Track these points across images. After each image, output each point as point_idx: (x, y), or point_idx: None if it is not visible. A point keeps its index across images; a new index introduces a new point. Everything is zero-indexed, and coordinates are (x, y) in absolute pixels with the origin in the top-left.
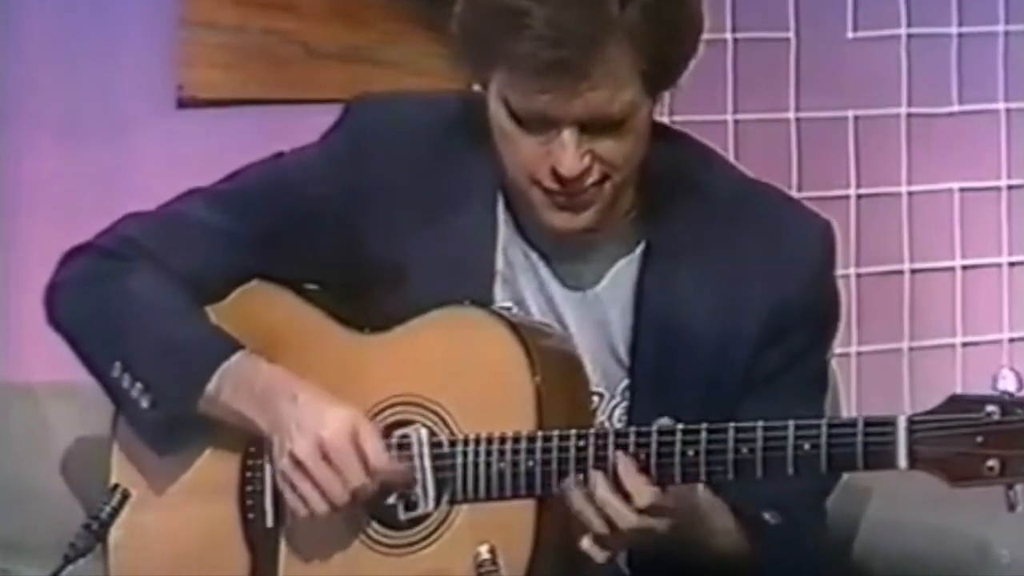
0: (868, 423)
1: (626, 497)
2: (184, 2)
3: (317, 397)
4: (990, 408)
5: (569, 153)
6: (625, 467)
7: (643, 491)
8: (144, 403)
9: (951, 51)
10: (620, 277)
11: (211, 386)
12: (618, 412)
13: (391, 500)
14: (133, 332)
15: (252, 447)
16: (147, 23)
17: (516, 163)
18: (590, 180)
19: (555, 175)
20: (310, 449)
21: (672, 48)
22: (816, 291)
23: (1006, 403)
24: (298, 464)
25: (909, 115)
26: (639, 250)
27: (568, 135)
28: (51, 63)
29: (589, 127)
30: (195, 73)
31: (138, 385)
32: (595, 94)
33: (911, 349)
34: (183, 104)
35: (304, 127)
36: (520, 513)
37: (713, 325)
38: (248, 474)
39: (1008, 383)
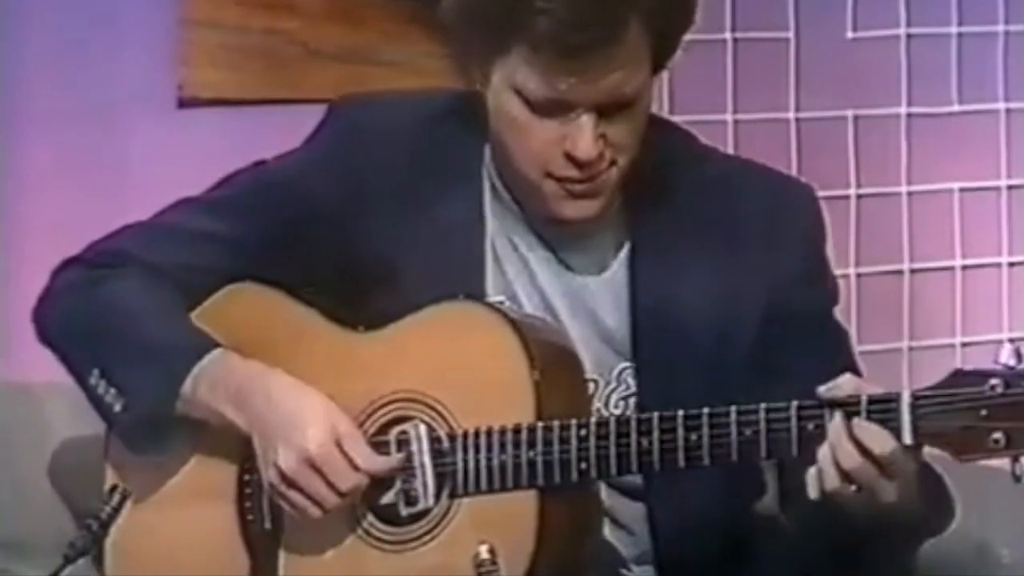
0: (872, 400)
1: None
2: (184, 2)
3: (290, 394)
4: (994, 381)
5: (587, 136)
6: (861, 427)
7: (881, 440)
8: (117, 407)
9: (951, 51)
10: (610, 261)
11: (187, 386)
12: (615, 397)
13: (391, 497)
14: (110, 338)
15: (249, 449)
16: (147, 22)
17: (526, 154)
18: (603, 164)
19: (571, 160)
20: (296, 463)
21: (677, 24)
22: (811, 254)
23: (1009, 376)
24: (285, 478)
25: (909, 115)
26: (629, 234)
27: (586, 119)
28: (51, 62)
29: (603, 109)
30: (195, 73)
31: (112, 391)
32: (616, 76)
33: (911, 349)
34: (183, 104)
35: (304, 127)
36: (522, 506)
37: (714, 303)
38: (246, 476)
39: (1009, 357)
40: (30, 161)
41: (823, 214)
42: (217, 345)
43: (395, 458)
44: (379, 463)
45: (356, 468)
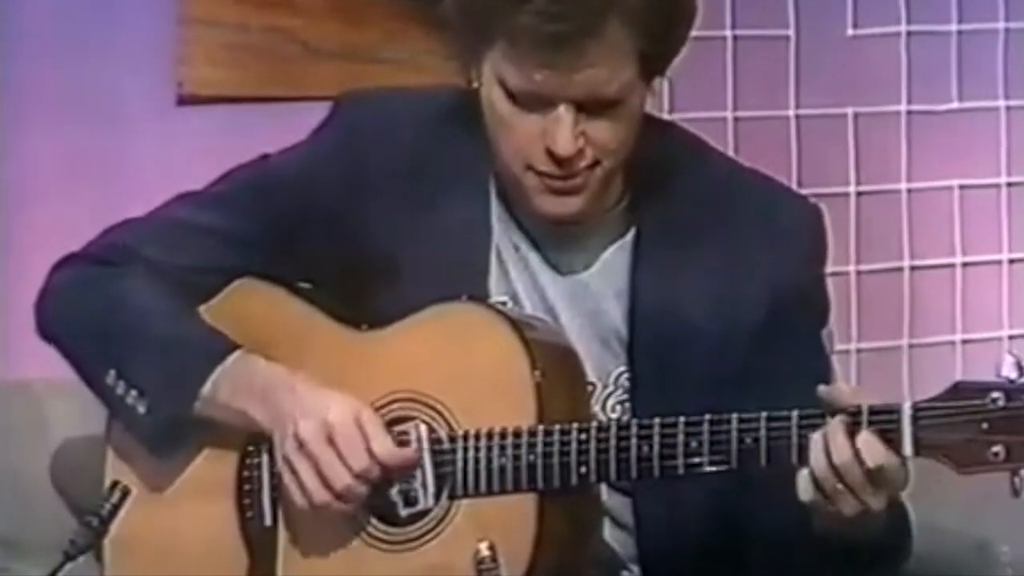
0: (873, 411)
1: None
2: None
3: (317, 387)
4: (995, 394)
5: (564, 131)
6: (866, 439)
7: (876, 451)
8: (140, 409)
9: (951, 48)
10: (611, 263)
11: (207, 388)
12: (611, 401)
13: (390, 497)
14: (126, 337)
15: (250, 446)
16: (147, 20)
17: (510, 147)
18: (583, 163)
19: (550, 155)
20: (314, 431)
21: (669, 30)
22: (812, 274)
23: (1011, 389)
24: (302, 446)
25: (909, 112)
26: (630, 236)
27: (564, 112)
28: (52, 60)
29: (585, 107)
30: (195, 70)
31: (133, 392)
32: (594, 71)
33: (911, 346)
34: (183, 101)
35: (304, 125)
36: (521, 508)
37: (711, 311)
38: (246, 473)
39: (1010, 370)
40: (30, 159)
41: (827, 235)
42: (236, 346)
43: (411, 451)
44: (394, 452)
45: (372, 452)
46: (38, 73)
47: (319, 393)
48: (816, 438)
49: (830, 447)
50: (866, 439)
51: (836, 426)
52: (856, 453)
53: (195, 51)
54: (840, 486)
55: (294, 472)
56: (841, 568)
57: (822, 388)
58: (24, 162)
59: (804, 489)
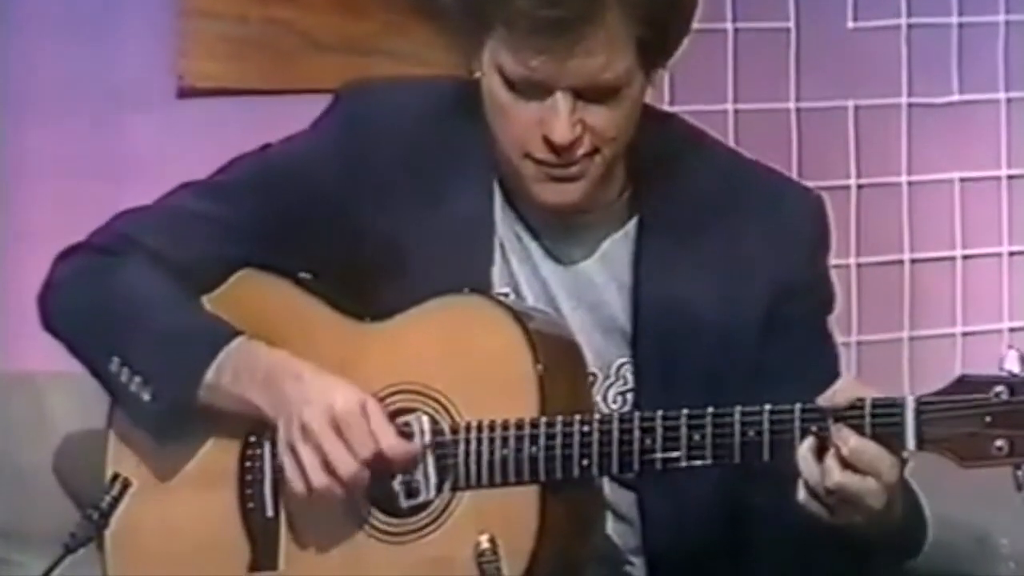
0: (876, 404)
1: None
2: None
3: (322, 375)
4: (998, 388)
5: (561, 118)
6: (837, 432)
7: (849, 440)
8: (145, 396)
9: (951, 41)
10: (612, 254)
11: (210, 375)
12: (612, 392)
13: (392, 488)
14: (129, 325)
15: (251, 437)
16: (148, 13)
17: (508, 135)
18: (581, 150)
19: (547, 143)
20: (320, 417)
21: (669, 18)
22: (815, 264)
23: (1014, 384)
24: (307, 432)
25: (909, 105)
26: (632, 227)
27: (561, 98)
28: (52, 53)
29: (582, 94)
30: (195, 63)
31: (137, 378)
32: (590, 59)
33: (911, 339)
34: (183, 94)
35: (304, 118)
36: (523, 500)
37: (715, 303)
38: (247, 464)
39: (1014, 364)
40: (30, 151)
41: (830, 224)
42: (238, 332)
43: (415, 444)
44: (398, 444)
45: (374, 438)
46: (39, 67)
47: (324, 381)
48: (803, 450)
49: (809, 460)
50: (836, 429)
51: (805, 450)
52: (833, 448)
53: (195, 44)
54: (831, 497)
55: (297, 458)
56: (854, 561)
57: (821, 398)
58: (25, 155)
59: (800, 493)
